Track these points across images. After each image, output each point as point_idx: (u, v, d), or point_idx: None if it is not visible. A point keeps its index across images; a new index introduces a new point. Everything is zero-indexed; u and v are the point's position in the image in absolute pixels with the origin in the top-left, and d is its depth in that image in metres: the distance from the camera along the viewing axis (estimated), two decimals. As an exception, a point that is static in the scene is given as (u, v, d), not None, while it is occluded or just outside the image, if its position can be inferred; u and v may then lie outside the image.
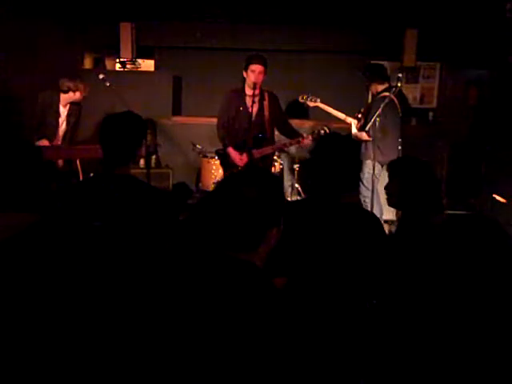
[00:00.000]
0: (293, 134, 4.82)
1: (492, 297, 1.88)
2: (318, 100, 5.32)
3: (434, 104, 6.97)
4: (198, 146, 5.78)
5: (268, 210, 1.58)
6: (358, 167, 2.47)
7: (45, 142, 4.90)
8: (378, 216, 4.88)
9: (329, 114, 5.42)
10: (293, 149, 5.76)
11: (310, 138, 4.65)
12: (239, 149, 4.64)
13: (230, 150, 4.65)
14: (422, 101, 6.95)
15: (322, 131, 4.66)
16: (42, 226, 2.24)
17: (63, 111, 5.02)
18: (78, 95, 4.97)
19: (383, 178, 5.29)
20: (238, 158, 4.63)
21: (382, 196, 5.24)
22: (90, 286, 2.28)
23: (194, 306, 1.47)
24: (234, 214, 1.54)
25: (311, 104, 5.36)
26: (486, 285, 1.89)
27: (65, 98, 4.97)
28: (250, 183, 1.57)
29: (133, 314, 2.12)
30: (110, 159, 2.55)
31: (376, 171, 4.82)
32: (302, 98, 5.39)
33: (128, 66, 6.72)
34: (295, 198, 5.70)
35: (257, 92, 4.54)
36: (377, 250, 2.28)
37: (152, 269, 2.34)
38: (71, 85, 4.90)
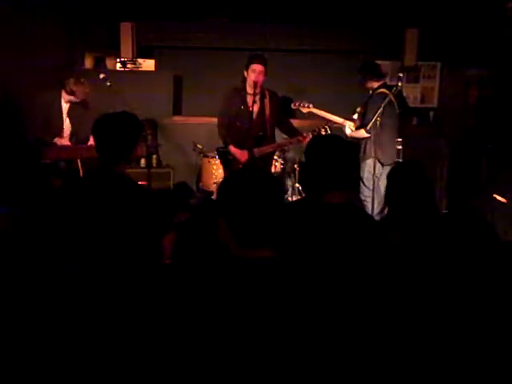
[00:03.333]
0: (293, 133, 4.83)
1: (481, 293, 1.89)
2: (311, 105, 5.30)
3: (435, 104, 6.98)
4: (198, 145, 5.78)
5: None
6: (349, 165, 2.42)
7: (62, 141, 4.93)
8: (381, 215, 4.87)
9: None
10: (292, 154, 5.77)
11: (310, 135, 4.67)
12: (240, 147, 4.66)
13: (232, 148, 4.66)
14: (422, 100, 6.96)
15: (323, 130, 4.67)
16: (29, 224, 2.25)
17: (65, 107, 5.03)
18: (72, 98, 5.01)
19: (384, 178, 5.29)
20: (240, 155, 4.64)
21: (382, 195, 5.26)
22: (80, 283, 2.28)
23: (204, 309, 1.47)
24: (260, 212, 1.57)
25: (304, 110, 5.33)
26: (473, 281, 1.90)
27: (65, 96, 5.00)
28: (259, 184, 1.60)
29: (122, 313, 2.11)
30: (102, 157, 2.60)
31: (376, 171, 4.82)
32: (295, 105, 5.37)
33: (128, 66, 6.71)
34: (296, 197, 5.70)
35: (258, 91, 4.55)
36: (372, 251, 2.27)
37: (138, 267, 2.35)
38: (73, 87, 4.93)
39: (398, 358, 1.88)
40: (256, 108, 4.62)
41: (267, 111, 4.67)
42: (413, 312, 1.94)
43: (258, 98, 4.60)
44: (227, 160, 4.76)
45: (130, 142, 2.63)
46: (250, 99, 4.59)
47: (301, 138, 4.69)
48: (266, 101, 4.67)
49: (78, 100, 5.01)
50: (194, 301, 1.50)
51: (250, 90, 4.58)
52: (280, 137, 5.09)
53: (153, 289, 2.17)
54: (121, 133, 2.60)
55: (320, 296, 1.58)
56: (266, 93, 4.67)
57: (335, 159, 2.32)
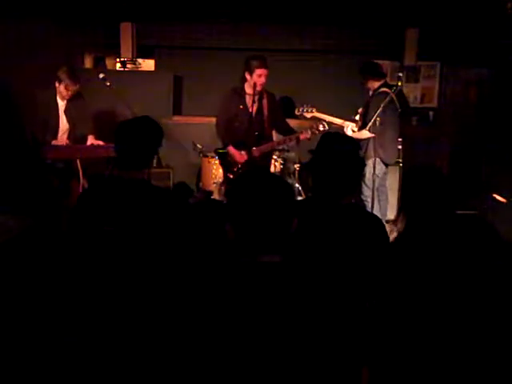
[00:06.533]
0: (289, 132, 4.86)
1: (484, 295, 1.89)
2: (314, 110, 5.32)
3: (435, 103, 6.97)
4: (198, 145, 5.77)
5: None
6: (361, 169, 2.43)
7: (60, 141, 4.88)
8: (381, 216, 4.88)
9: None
10: (292, 154, 5.78)
11: (309, 132, 4.69)
12: (239, 147, 4.67)
13: (231, 149, 4.68)
14: (422, 100, 6.95)
15: (321, 126, 4.69)
16: (39, 229, 2.23)
17: (61, 105, 4.96)
18: (61, 88, 4.83)
19: (386, 178, 5.29)
20: (238, 155, 4.66)
21: (388, 196, 5.25)
22: (95, 290, 2.26)
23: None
24: (267, 216, 1.54)
25: (308, 115, 5.36)
26: (478, 282, 1.90)
27: (58, 90, 4.86)
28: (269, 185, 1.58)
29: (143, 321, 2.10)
30: (124, 163, 2.52)
31: (377, 170, 4.82)
32: (298, 111, 5.40)
33: (128, 66, 6.71)
34: (296, 198, 5.69)
35: (257, 92, 4.58)
36: (378, 252, 2.26)
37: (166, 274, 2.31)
38: (62, 75, 4.79)
39: (404, 359, 1.88)
40: (255, 108, 4.64)
41: (265, 111, 4.71)
42: (417, 310, 1.94)
43: (257, 98, 4.62)
44: (226, 161, 4.79)
45: (153, 147, 2.60)
46: (249, 99, 4.62)
47: (299, 135, 4.72)
48: (264, 101, 4.70)
49: (66, 94, 4.85)
50: (200, 302, 1.50)
51: (249, 90, 4.60)
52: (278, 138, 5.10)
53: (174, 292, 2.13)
54: (145, 138, 2.54)
55: (335, 294, 1.58)
56: (264, 93, 4.70)
57: (355, 167, 2.33)
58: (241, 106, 4.66)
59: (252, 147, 4.66)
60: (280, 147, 5.15)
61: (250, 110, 4.61)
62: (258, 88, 4.54)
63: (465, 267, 1.94)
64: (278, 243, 1.57)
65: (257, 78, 4.52)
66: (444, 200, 2.26)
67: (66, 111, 4.97)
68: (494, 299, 1.88)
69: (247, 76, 4.57)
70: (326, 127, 4.70)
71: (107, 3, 6.37)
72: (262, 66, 4.52)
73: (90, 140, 5.04)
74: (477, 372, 1.83)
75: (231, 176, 4.78)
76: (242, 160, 4.66)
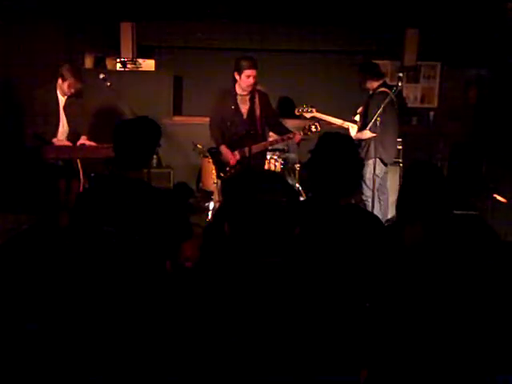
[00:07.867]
0: (284, 132, 4.88)
1: (482, 295, 1.89)
2: (314, 110, 5.34)
3: (435, 104, 6.97)
4: (198, 145, 5.78)
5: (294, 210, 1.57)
6: (360, 169, 2.43)
7: (60, 142, 4.88)
8: (382, 216, 4.88)
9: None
10: (292, 155, 5.79)
11: (301, 133, 4.72)
12: (232, 147, 4.70)
13: (223, 148, 4.71)
14: (422, 101, 6.95)
15: (313, 127, 4.72)
16: (39, 228, 2.23)
17: (61, 100, 4.93)
18: (65, 85, 4.82)
19: (387, 178, 5.29)
20: (231, 155, 4.69)
21: (388, 196, 5.25)
22: (94, 291, 2.26)
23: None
24: (269, 221, 1.52)
25: (308, 115, 5.38)
26: (475, 283, 1.90)
27: (60, 85, 4.85)
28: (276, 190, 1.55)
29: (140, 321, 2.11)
30: (122, 163, 2.53)
31: (378, 170, 4.82)
32: (298, 111, 5.43)
33: (129, 66, 6.71)
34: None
35: (249, 92, 4.62)
36: (377, 252, 2.26)
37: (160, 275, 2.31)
38: (66, 73, 4.79)
39: (404, 359, 1.88)
40: (247, 108, 4.69)
41: (257, 111, 4.72)
42: (416, 310, 1.94)
43: (248, 98, 4.66)
44: (219, 160, 4.82)
45: (152, 146, 2.61)
46: (240, 100, 4.68)
47: (292, 135, 4.74)
48: (256, 100, 4.72)
49: (68, 91, 4.83)
50: (200, 302, 1.50)
51: (240, 90, 4.65)
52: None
53: (170, 292, 2.14)
54: (144, 138, 2.55)
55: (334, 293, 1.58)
56: (256, 93, 4.72)
57: (353, 167, 2.33)
58: (232, 107, 4.68)
59: (245, 147, 4.67)
60: (274, 147, 5.19)
61: (242, 111, 4.66)
62: (248, 89, 4.56)
63: (463, 268, 1.94)
64: (279, 248, 1.55)
65: (245, 79, 4.53)
66: (442, 199, 2.26)
67: (65, 108, 4.94)
68: (492, 299, 1.89)
69: (236, 77, 4.60)
70: (319, 128, 4.72)
71: (107, 3, 6.38)
72: (251, 66, 4.52)
73: (82, 140, 4.99)
74: (474, 371, 1.83)
75: (223, 175, 4.83)
76: (234, 160, 4.70)
